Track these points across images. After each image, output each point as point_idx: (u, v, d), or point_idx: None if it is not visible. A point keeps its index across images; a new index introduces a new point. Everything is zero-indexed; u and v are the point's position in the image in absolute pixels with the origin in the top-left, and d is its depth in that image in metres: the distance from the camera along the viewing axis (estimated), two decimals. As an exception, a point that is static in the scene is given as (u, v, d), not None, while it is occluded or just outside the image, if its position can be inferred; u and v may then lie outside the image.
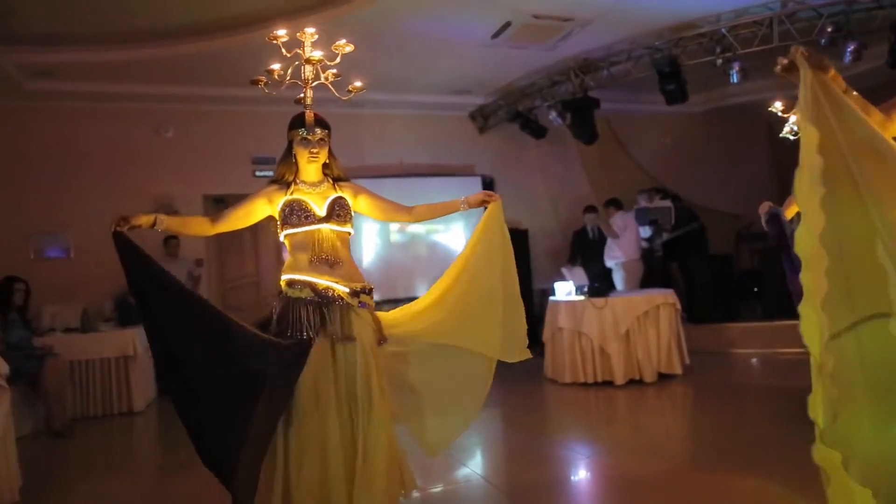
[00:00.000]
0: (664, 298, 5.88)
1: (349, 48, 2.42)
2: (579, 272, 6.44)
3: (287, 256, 2.50)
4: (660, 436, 4.32)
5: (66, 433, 4.97)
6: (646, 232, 7.68)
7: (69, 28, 5.83)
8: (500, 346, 2.66)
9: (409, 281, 7.91)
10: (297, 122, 2.49)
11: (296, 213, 2.42)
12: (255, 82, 2.42)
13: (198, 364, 2.16)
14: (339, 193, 2.52)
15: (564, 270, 6.60)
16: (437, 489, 3.35)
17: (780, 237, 3.01)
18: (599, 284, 6.15)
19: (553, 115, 7.77)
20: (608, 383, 5.66)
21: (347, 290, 2.40)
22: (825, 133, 1.59)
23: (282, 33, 2.34)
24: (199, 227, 2.56)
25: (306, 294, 2.37)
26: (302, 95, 2.48)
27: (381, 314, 2.58)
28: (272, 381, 2.22)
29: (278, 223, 2.48)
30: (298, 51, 2.41)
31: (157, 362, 2.18)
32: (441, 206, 2.69)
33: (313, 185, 2.51)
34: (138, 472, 4.22)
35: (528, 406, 5.50)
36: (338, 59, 2.44)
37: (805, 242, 1.59)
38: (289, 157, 2.52)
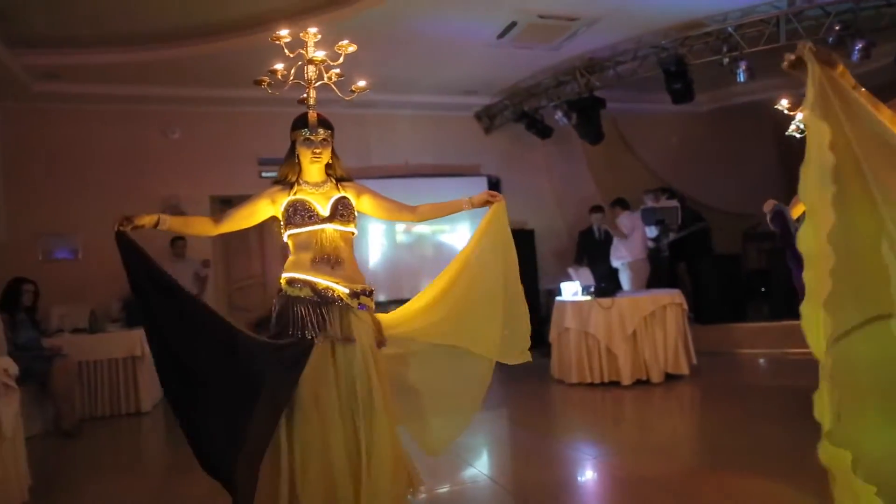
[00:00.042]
0: (671, 298, 5.86)
1: (352, 48, 2.41)
2: (585, 272, 6.43)
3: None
4: (667, 436, 4.30)
5: (74, 433, 5.00)
6: (652, 232, 7.66)
7: (76, 30, 5.87)
8: (500, 348, 2.65)
9: (415, 281, 7.91)
10: (300, 122, 2.48)
11: (299, 213, 2.42)
12: (259, 83, 2.42)
13: (197, 365, 2.16)
14: (343, 193, 2.52)
15: (571, 270, 6.58)
16: (444, 489, 3.35)
17: (784, 234, 3.01)
18: (606, 284, 6.13)
19: (559, 115, 7.76)
20: (615, 384, 5.64)
21: (347, 290, 2.40)
22: (836, 130, 1.56)
23: (284, 33, 2.34)
24: (202, 227, 2.56)
25: (305, 293, 2.37)
26: (305, 96, 2.47)
27: (379, 315, 2.58)
28: (272, 382, 2.22)
29: (282, 223, 2.47)
30: (301, 51, 2.40)
31: (156, 363, 2.17)
32: (445, 205, 2.69)
33: (316, 185, 2.51)
34: (146, 473, 4.24)
35: (535, 406, 5.49)
36: (341, 60, 2.44)
37: (809, 241, 1.57)
38: (292, 158, 2.52)
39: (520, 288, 2.67)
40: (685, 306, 5.95)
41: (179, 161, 7.62)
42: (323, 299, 2.37)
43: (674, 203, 7.81)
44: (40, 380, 5.00)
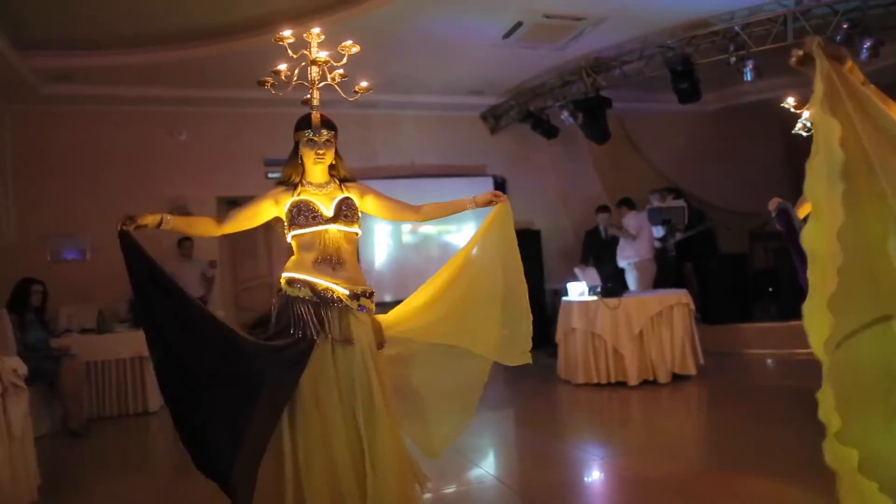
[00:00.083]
0: (678, 299, 5.84)
1: (355, 49, 2.40)
2: (592, 272, 6.42)
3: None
4: (674, 437, 4.29)
5: (82, 433, 5.02)
6: (658, 232, 7.64)
7: (84, 32, 5.90)
8: (499, 348, 2.64)
9: (420, 281, 7.78)
10: (303, 123, 2.48)
11: (303, 214, 2.42)
12: (262, 83, 2.42)
13: (196, 365, 2.15)
14: (346, 194, 2.52)
15: (577, 270, 6.58)
16: (450, 490, 3.35)
17: (789, 232, 2.99)
18: (612, 285, 6.12)
19: (565, 114, 7.75)
20: (622, 384, 5.63)
21: (347, 292, 2.40)
22: (846, 126, 1.53)
23: (287, 34, 2.34)
24: (206, 227, 2.56)
25: (305, 294, 2.37)
26: (309, 97, 2.47)
27: (378, 316, 2.57)
28: (271, 382, 2.22)
29: (285, 224, 2.47)
30: (305, 52, 2.40)
31: (155, 363, 2.17)
32: (449, 204, 2.68)
33: (320, 186, 2.50)
34: (154, 472, 4.26)
35: (542, 407, 5.48)
36: (344, 60, 2.43)
37: (814, 239, 1.55)
38: (295, 159, 2.52)
39: (523, 289, 2.65)
40: (692, 306, 5.93)
41: (186, 162, 7.66)
42: (322, 300, 2.37)
43: (680, 203, 7.78)
44: (49, 380, 5.03)
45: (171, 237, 6.60)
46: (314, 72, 2.43)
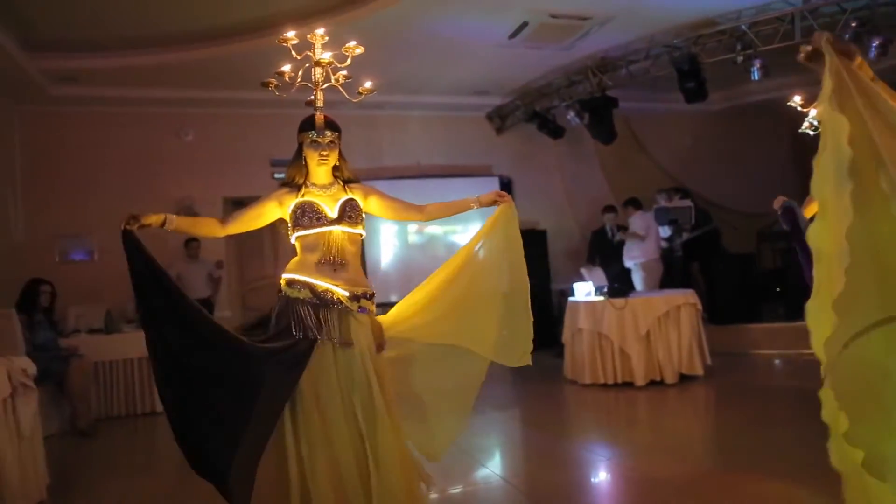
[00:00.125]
0: (685, 299, 5.82)
1: (359, 50, 2.40)
2: (598, 272, 6.40)
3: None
4: (681, 437, 4.27)
5: (90, 433, 5.05)
6: (665, 232, 7.62)
7: (91, 34, 5.94)
8: (497, 348, 2.64)
9: (426, 282, 7.92)
10: (307, 124, 2.48)
11: (307, 215, 2.42)
12: (266, 85, 2.42)
13: (196, 365, 2.14)
14: (350, 195, 2.51)
15: (583, 271, 6.56)
16: (457, 490, 3.35)
17: (794, 230, 2.97)
18: (619, 285, 6.10)
19: (571, 114, 7.74)
20: (628, 384, 5.61)
21: (347, 293, 2.39)
22: (855, 123, 1.50)
23: (291, 35, 2.34)
24: (210, 228, 2.55)
25: (304, 295, 2.37)
26: (312, 98, 2.47)
27: (379, 317, 2.56)
28: (271, 383, 2.22)
29: (289, 225, 2.47)
30: (309, 53, 2.40)
31: (153, 363, 2.17)
32: (453, 204, 2.67)
33: (324, 187, 2.50)
34: (161, 472, 4.27)
35: (548, 407, 5.47)
36: (348, 62, 2.43)
37: (821, 238, 1.53)
38: (299, 160, 2.51)
39: (525, 290, 2.64)
40: (699, 306, 5.91)
41: (193, 163, 7.69)
42: (322, 301, 2.37)
43: (687, 203, 7.76)
44: (57, 380, 5.06)
45: (178, 238, 6.63)
46: (318, 73, 2.43)
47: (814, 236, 1.55)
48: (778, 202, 3.07)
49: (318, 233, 2.41)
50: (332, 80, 2.44)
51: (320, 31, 2.38)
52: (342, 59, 2.42)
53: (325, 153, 2.46)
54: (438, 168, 8.62)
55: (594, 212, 8.08)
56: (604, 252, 7.58)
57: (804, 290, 1.68)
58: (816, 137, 1.68)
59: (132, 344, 5.79)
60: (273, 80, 2.40)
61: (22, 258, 6.78)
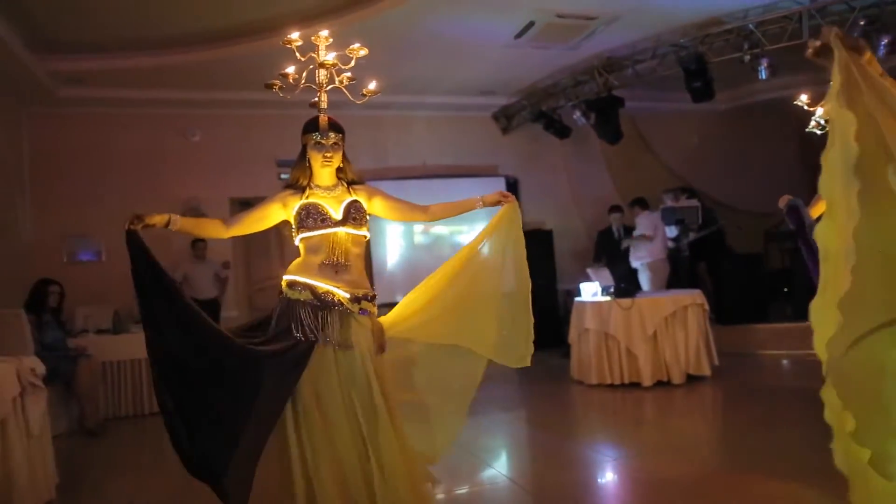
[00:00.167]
0: (692, 299, 5.80)
1: (363, 52, 2.40)
2: (604, 273, 6.39)
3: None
4: (688, 438, 4.26)
5: (98, 432, 5.08)
6: (672, 232, 7.60)
7: (98, 37, 5.97)
8: (496, 347, 2.64)
9: (433, 282, 7.91)
10: (311, 126, 2.48)
11: (312, 217, 2.42)
12: (270, 86, 2.43)
13: (195, 366, 2.16)
14: (354, 197, 2.52)
15: (590, 271, 6.55)
16: (463, 490, 3.35)
17: (799, 229, 2.95)
18: (625, 285, 6.09)
19: (577, 114, 7.73)
20: (635, 385, 5.60)
21: (348, 295, 2.39)
22: (862, 120, 1.49)
23: (295, 37, 2.34)
24: (213, 229, 2.56)
25: (305, 296, 2.37)
26: (316, 99, 2.47)
27: (380, 318, 2.57)
28: (271, 383, 2.22)
29: (293, 227, 2.47)
30: (313, 55, 2.40)
31: (152, 363, 2.17)
32: (457, 204, 2.68)
33: (328, 188, 2.50)
34: (169, 471, 4.27)
35: (555, 407, 5.46)
36: (352, 63, 2.43)
37: (828, 236, 1.51)
38: (303, 162, 2.52)
39: (527, 291, 2.64)
40: (706, 307, 5.89)
41: (200, 163, 7.72)
42: (323, 303, 2.37)
43: (694, 203, 7.73)
44: (65, 379, 5.08)
45: (184, 239, 6.65)
46: (322, 75, 2.43)
47: (821, 235, 1.54)
48: (783, 201, 3.05)
49: (322, 234, 2.42)
50: (336, 82, 2.44)
51: (324, 32, 2.38)
52: (346, 60, 2.42)
53: (328, 155, 2.47)
54: (444, 168, 8.62)
55: (600, 212, 8.06)
56: (610, 252, 7.56)
57: (811, 290, 1.67)
58: (824, 136, 1.66)
59: (140, 344, 5.68)
60: (277, 82, 2.41)
61: (30, 258, 6.82)
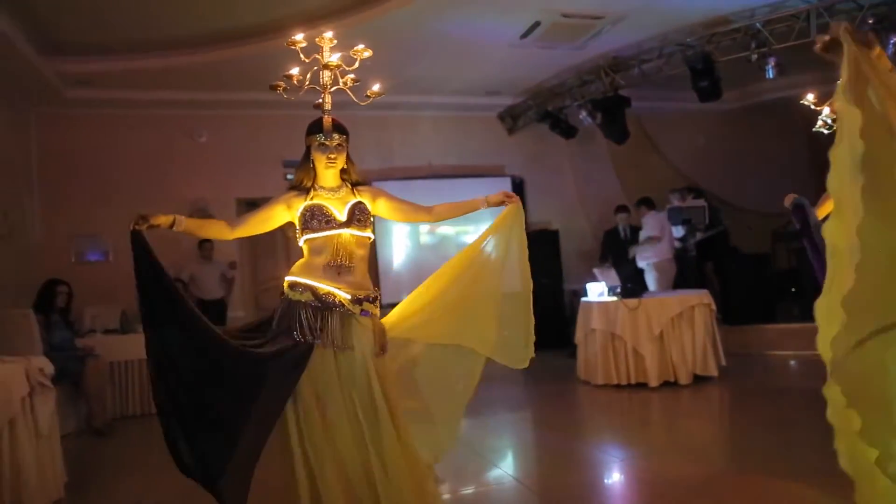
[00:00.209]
0: (699, 299, 5.78)
1: (367, 53, 2.39)
2: (611, 273, 6.37)
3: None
4: (695, 439, 4.24)
5: (106, 432, 5.10)
6: (679, 232, 7.57)
7: (105, 38, 6.00)
8: (496, 346, 2.64)
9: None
10: (315, 127, 2.48)
11: (317, 218, 2.42)
12: (274, 87, 2.43)
13: (194, 368, 2.16)
14: (359, 198, 2.51)
15: (596, 271, 6.53)
16: (469, 490, 3.35)
17: (804, 227, 2.93)
18: (632, 285, 6.07)
19: (583, 114, 7.71)
20: (642, 385, 5.58)
21: (349, 296, 2.39)
22: (868, 116, 1.47)
23: (299, 38, 2.34)
24: (218, 230, 2.56)
25: (306, 298, 2.37)
26: (320, 100, 2.47)
27: (382, 319, 2.56)
28: (270, 384, 2.23)
29: (298, 228, 2.47)
30: (317, 56, 2.40)
31: (151, 363, 2.18)
32: (461, 204, 2.67)
33: (332, 190, 2.50)
34: (176, 471, 4.30)
35: (561, 408, 5.46)
36: (356, 65, 2.43)
37: (836, 233, 1.50)
38: (307, 163, 2.52)
39: (528, 292, 2.63)
40: (713, 307, 5.87)
41: (206, 164, 7.75)
42: (324, 304, 2.37)
43: (701, 202, 7.71)
44: (74, 379, 5.11)
45: (191, 239, 6.67)
46: (326, 76, 2.43)
47: (829, 232, 1.53)
48: (788, 200, 3.03)
49: (326, 236, 2.42)
50: (341, 83, 2.44)
51: (328, 34, 2.38)
52: (350, 62, 2.42)
53: (332, 156, 2.47)
54: (450, 168, 8.62)
55: (606, 212, 8.05)
56: (616, 252, 7.53)
57: (818, 290, 1.66)
58: (831, 136, 1.65)
59: (147, 344, 5.82)
60: (281, 83, 2.41)
61: (39, 259, 6.87)
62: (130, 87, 6.99)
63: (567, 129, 8.24)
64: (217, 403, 2.16)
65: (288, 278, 2.44)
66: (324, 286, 2.38)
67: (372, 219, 2.54)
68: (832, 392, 1.54)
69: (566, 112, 8.14)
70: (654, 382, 5.54)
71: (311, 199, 2.47)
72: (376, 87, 2.51)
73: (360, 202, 2.51)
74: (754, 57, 6.23)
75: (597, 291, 6.12)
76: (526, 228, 2.71)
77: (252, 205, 7.46)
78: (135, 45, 6.19)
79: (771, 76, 6.33)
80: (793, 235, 7.99)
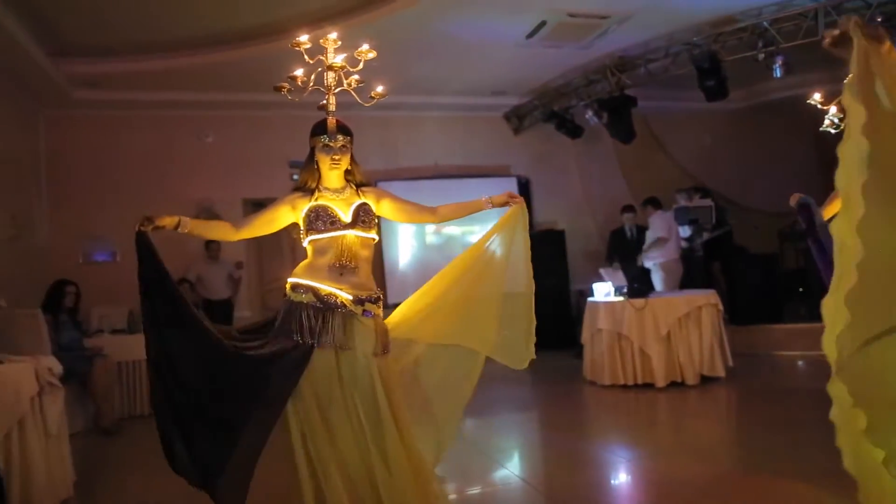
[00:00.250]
0: (706, 299, 5.76)
1: (371, 55, 2.40)
2: (617, 273, 6.36)
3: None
4: (702, 439, 4.23)
5: (114, 431, 5.12)
6: (685, 231, 7.54)
7: (112, 40, 6.04)
8: (496, 346, 2.65)
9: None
10: (319, 128, 2.48)
11: (321, 219, 2.42)
12: (279, 89, 2.44)
13: (194, 370, 2.17)
14: (363, 199, 2.52)
15: (603, 271, 6.52)
16: (476, 490, 3.35)
17: (809, 227, 2.91)
18: (638, 285, 6.05)
19: (589, 114, 7.70)
20: (649, 385, 5.57)
21: (351, 297, 2.38)
22: (874, 112, 1.46)
23: (304, 39, 2.35)
24: (223, 232, 2.56)
25: (308, 299, 2.37)
26: (325, 102, 2.48)
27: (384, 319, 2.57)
28: (270, 385, 2.24)
29: (302, 229, 2.48)
30: (321, 57, 2.40)
31: (150, 364, 2.19)
32: (466, 205, 2.68)
33: (336, 191, 2.51)
34: (183, 470, 4.32)
35: (568, 408, 5.45)
36: (360, 66, 2.43)
37: (843, 230, 1.48)
38: (311, 164, 2.52)
39: (530, 292, 2.63)
40: (720, 307, 5.85)
41: (213, 164, 7.78)
42: (326, 305, 2.36)
43: (708, 202, 7.68)
44: (82, 379, 5.14)
45: (198, 240, 6.70)
46: (330, 77, 2.43)
47: (837, 228, 1.52)
48: (794, 199, 3.01)
49: (331, 237, 2.42)
50: (345, 84, 2.44)
51: (333, 35, 2.38)
52: (355, 62, 2.42)
53: (336, 157, 2.47)
54: (456, 169, 8.62)
55: (613, 212, 8.03)
56: (623, 252, 7.51)
57: (824, 290, 1.65)
58: (838, 135, 1.64)
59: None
60: (286, 85, 2.42)
61: (47, 259, 6.91)
62: (138, 89, 7.03)
63: (573, 129, 8.23)
64: (215, 405, 2.17)
65: (290, 280, 2.45)
66: (326, 287, 2.38)
67: (376, 220, 2.55)
68: (837, 390, 1.53)
69: (572, 112, 8.13)
70: (660, 383, 5.52)
71: (316, 200, 2.47)
72: (380, 89, 2.51)
73: (364, 203, 2.51)
74: (761, 56, 6.21)
75: (603, 291, 6.11)
76: (532, 228, 2.71)
77: (258, 205, 7.48)
78: (141, 47, 6.23)
79: (778, 75, 6.30)
80: (800, 235, 7.94)
